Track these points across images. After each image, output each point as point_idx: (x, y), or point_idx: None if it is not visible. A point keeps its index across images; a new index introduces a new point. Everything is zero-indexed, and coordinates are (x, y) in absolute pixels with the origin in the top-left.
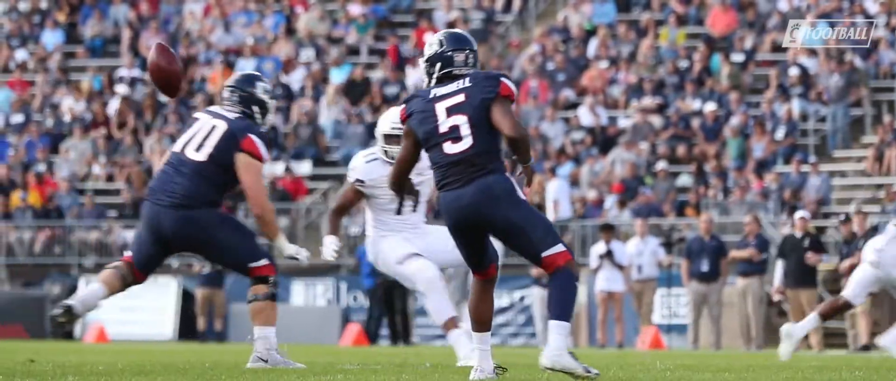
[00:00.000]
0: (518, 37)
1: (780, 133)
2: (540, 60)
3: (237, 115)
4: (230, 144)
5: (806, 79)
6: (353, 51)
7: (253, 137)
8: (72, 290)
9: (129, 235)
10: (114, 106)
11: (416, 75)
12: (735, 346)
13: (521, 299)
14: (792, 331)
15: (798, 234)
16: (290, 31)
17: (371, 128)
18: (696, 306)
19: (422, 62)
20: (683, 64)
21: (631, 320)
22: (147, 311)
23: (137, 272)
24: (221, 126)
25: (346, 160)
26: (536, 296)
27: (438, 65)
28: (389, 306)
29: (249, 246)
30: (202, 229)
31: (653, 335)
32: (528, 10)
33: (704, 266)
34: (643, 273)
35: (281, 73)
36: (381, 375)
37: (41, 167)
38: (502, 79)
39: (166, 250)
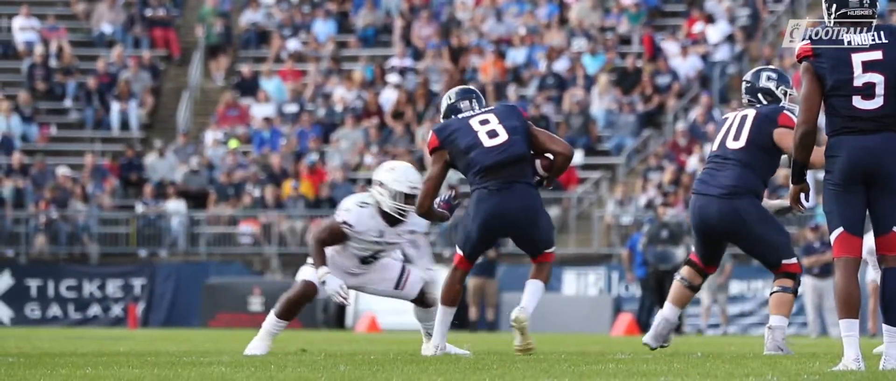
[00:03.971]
0: None
1: None
2: None
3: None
4: (765, 125)
5: None
6: (625, 40)
7: (787, 112)
8: None
9: None
10: (386, 95)
11: (686, 66)
12: None
13: None
14: None
15: None
16: (563, 20)
17: (642, 117)
18: None
19: (824, 1)
20: None
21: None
22: None
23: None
24: (751, 113)
25: (618, 150)
26: (808, 285)
27: (834, 6)
28: (661, 295)
29: (785, 242)
30: (744, 220)
31: None
32: None
33: None
34: None
35: (550, 62)
36: (651, 364)
37: (313, 157)
38: None
39: (716, 242)
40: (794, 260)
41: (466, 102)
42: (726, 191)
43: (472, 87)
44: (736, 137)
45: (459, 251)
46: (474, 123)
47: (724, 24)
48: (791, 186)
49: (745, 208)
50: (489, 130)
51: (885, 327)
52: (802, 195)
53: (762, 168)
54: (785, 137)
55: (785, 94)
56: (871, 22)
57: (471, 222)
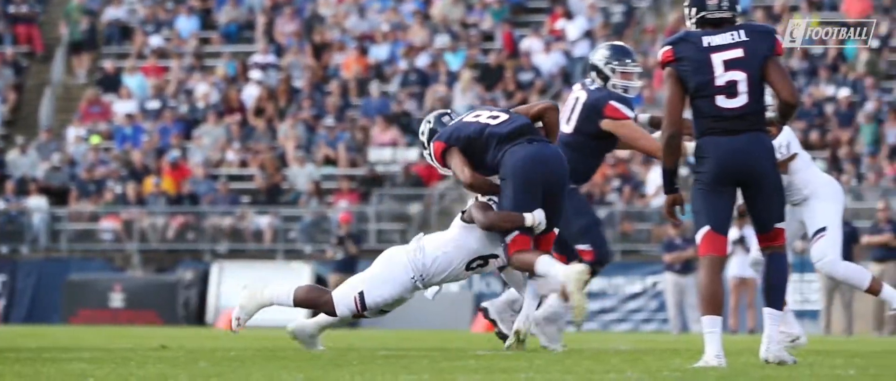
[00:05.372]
0: (653, 23)
1: None
2: None
3: (596, 85)
4: (593, 115)
5: None
6: (488, 37)
7: (612, 103)
8: (204, 276)
9: (263, 221)
10: (248, 92)
11: (549, 62)
12: (867, 332)
13: (654, 285)
14: None
15: None
16: (426, 16)
17: None
18: (828, 292)
19: (685, 6)
20: (817, 50)
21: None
22: None
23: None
24: (582, 98)
25: None
26: (669, 282)
27: (694, 9)
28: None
29: (584, 226)
30: None
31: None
32: None
33: None
34: None
35: (413, 58)
36: (512, 360)
37: (175, 153)
38: (777, 36)
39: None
40: (585, 246)
41: (448, 118)
42: None
43: (446, 110)
44: (567, 120)
45: (515, 234)
46: (468, 117)
47: (583, 20)
48: (665, 196)
49: None
50: (489, 115)
51: (766, 310)
52: (678, 208)
53: (587, 151)
54: (617, 128)
55: (613, 70)
56: (733, 21)
57: (510, 184)
